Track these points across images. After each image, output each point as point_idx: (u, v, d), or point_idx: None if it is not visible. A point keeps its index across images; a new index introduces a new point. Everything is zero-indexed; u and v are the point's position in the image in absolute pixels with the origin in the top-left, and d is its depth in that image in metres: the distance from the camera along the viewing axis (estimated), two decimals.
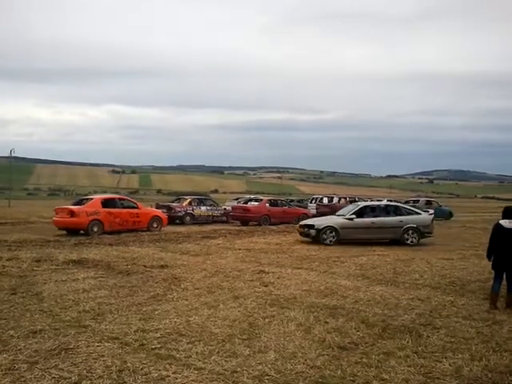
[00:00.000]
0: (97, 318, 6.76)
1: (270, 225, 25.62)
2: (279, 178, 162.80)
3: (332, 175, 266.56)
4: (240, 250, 14.84)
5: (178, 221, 26.16)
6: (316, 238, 16.74)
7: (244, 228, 23.92)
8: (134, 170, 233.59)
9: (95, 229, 19.25)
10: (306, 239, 17.42)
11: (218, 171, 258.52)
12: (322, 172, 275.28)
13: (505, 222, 7.74)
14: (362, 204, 18.94)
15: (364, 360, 5.26)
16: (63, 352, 5.36)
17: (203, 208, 27.73)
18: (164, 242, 16.85)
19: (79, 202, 21.22)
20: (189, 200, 28.17)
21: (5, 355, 5.23)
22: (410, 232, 17.17)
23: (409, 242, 17.02)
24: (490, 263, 8.07)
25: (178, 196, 33.96)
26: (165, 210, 25.49)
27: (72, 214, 19.32)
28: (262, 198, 30.87)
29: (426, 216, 18.10)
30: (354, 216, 17.03)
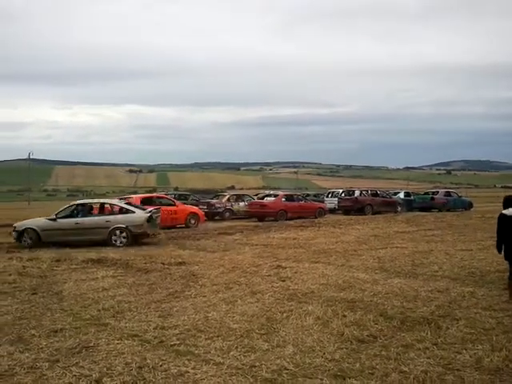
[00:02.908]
0: (116, 316, 6.84)
1: (286, 220, 25.58)
2: (295, 172, 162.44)
3: (348, 169, 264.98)
4: (257, 245, 14.86)
5: (217, 217, 27.27)
6: (17, 239, 15.69)
7: (260, 223, 23.94)
8: (151, 169, 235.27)
9: None
10: (321, 233, 17.37)
11: (234, 168, 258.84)
12: (338, 166, 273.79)
13: (508, 211, 7.66)
14: (76, 202, 17.32)
15: (383, 353, 5.24)
16: (84, 350, 5.44)
17: (241, 204, 28.52)
18: (181, 239, 16.95)
19: None
20: (228, 196, 29.56)
21: (27, 354, 5.32)
22: (118, 233, 15.70)
23: (118, 243, 15.46)
24: (502, 255, 7.96)
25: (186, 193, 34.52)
26: (205, 207, 26.69)
27: None
28: (278, 193, 30.89)
29: (137, 215, 16.01)
30: (55, 217, 15.91)
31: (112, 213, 16.49)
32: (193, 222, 22.15)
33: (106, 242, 15.33)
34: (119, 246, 15.16)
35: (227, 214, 27.75)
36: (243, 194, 32.32)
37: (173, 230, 20.33)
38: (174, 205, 22.25)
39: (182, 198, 28.97)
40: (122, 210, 16.42)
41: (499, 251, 7.96)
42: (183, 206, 23.02)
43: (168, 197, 24.83)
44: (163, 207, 21.16)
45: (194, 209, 23.64)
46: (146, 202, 21.19)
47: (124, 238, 15.65)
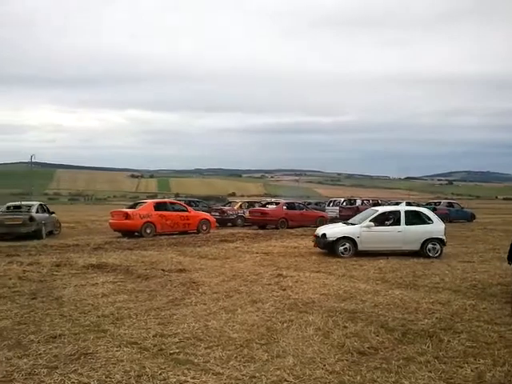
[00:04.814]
0: (116, 323, 6.80)
1: (287, 228, 25.55)
2: (296, 180, 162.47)
3: (349, 177, 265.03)
4: (258, 253, 14.82)
5: (229, 223, 27.63)
6: None
7: (261, 231, 23.89)
8: (152, 175, 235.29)
9: (148, 230, 20.36)
10: None
11: (236, 174, 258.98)
12: (339, 174, 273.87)
13: None
14: None
15: (384, 365, 5.20)
16: (82, 357, 5.40)
17: None
18: (182, 245, 16.91)
19: (133, 206, 22.68)
20: (240, 203, 29.91)
21: (25, 360, 5.29)
22: None
23: None
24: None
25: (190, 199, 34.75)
26: (217, 213, 27.19)
27: (127, 216, 20.48)
28: (280, 200, 30.93)
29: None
30: None
31: None
32: (204, 228, 22.50)
33: None
34: None
35: (239, 220, 28.05)
36: (255, 201, 32.50)
37: (174, 235, 20.32)
38: (187, 211, 22.55)
39: (192, 204, 29.07)
40: None
41: (510, 262, 7.94)
42: (195, 212, 23.36)
43: (181, 202, 24.98)
44: (175, 213, 21.72)
45: (206, 215, 23.97)
46: (159, 206, 21.66)
47: None
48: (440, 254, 14.29)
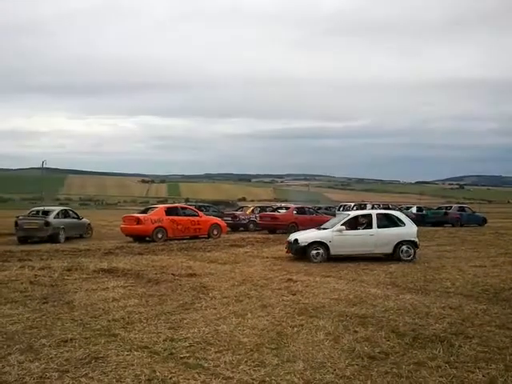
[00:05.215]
0: (126, 327, 6.83)
1: None
2: (306, 185, 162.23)
3: (360, 182, 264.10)
4: (268, 258, 14.82)
5: (242, 228, 27.81)
6: None
7: (271, 236, 23.87)
8: (162, 180, 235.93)
9: (159, 235, 20.46)
10: None
11: (246, 179, 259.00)
12: (349, 179, 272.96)
13: None
14: None
15: (394, 370, 5.17)
16: (93, 361, 5.43)
17: None
18: (192, 250, 16.95)
19: (145, 211, 22.76)
20: (252, 208, 30.23)
21: (37, 363, 5.32)
22: None
23: None
24: None
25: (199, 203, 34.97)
26: (229, 218, 27.42)
27: (138, 221, 20.63)
28: (290, 205, 30.93)
29: None
30: None
31: None
32: (215, 232, 22.56)
33: None
34: None
35: (251, 225, 28.14)
36: (267, 206, 32.64)
37: (184, 240, 20.35)
38: (198, 215, 22.64)
39: (203, 208, 29.18)
40: None
41: None
42: (206, 217, 23.41)
43: (192, 207, 25.09)
44: (186, 217, 21.84)
45: (217, 220, 24.04)
46: (170, 211, 21.79)
47: None
48: (413, 257, 14.25)
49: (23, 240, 20.40)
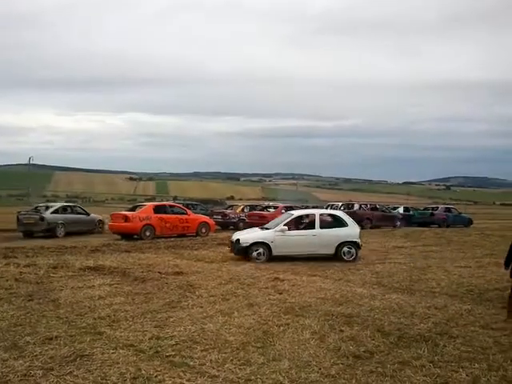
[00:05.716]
0: (112, 325, 6.81)
1: None
2: (294, 184, 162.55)
3: (348, 182, 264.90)
4: None
5: (231, 226, 27.60)
6: None
7: None
8: (150, 177, 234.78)
9: (147, 233, 20.47)
10: None
11: (235, 178, 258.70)
12: (337, 179, 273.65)
13: None
14: None
15: (379, 369, 5.21)
16: (78, 359, 5.40)
17: None
18: (180, 248, 16.91)
19: (133, 209, 22.91)
20: (242, 207, 30.21)
21: (21, 361, 5.29)
22: None
23: None
24: (509, 271, 7.94)
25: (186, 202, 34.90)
26: (219, 217, 27.49)
27: (126, 219, 20.65)
28: (278, 204, 31.06)
29: None
30: None
31: None
32: (204, 230, 22.61)
33: None
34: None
35: (241, 224, 27.88)
36: (256, 205, 32.64)
37: (172, 238, 20.30)
38: (186, 213, 22.63)
39: (191, 207, 29.12)
40: None
41: (506, 267, 7.92)
42: (195, 215, 23.45)
43: (180, 205, 25.04)
44: (175, 215, 21.84)
45: (205, 218, 24.06)
46: (158, 209, 21.79)
47: None
48: (355, 258, 14.31)
49: (28, 234, 21.37)
